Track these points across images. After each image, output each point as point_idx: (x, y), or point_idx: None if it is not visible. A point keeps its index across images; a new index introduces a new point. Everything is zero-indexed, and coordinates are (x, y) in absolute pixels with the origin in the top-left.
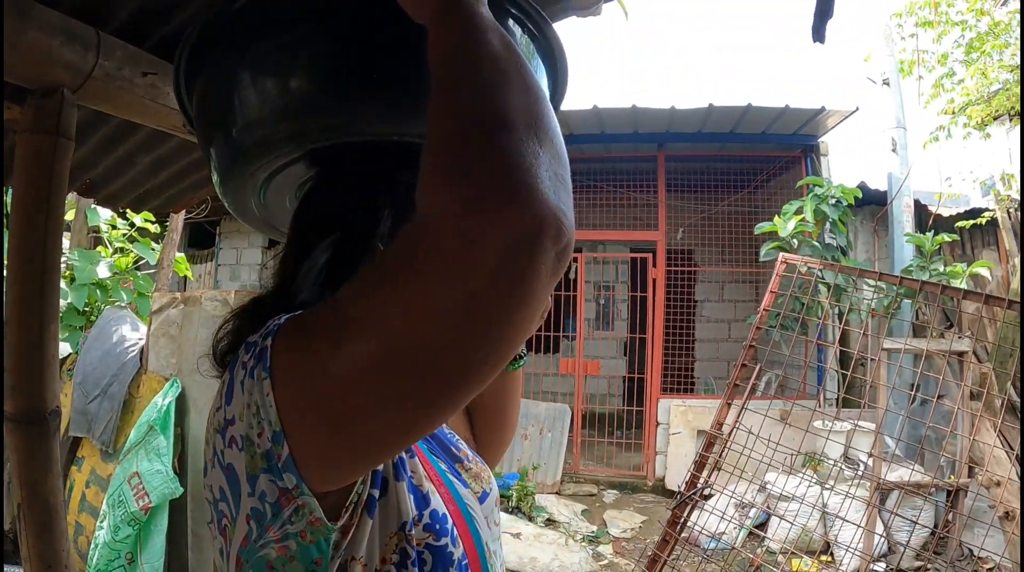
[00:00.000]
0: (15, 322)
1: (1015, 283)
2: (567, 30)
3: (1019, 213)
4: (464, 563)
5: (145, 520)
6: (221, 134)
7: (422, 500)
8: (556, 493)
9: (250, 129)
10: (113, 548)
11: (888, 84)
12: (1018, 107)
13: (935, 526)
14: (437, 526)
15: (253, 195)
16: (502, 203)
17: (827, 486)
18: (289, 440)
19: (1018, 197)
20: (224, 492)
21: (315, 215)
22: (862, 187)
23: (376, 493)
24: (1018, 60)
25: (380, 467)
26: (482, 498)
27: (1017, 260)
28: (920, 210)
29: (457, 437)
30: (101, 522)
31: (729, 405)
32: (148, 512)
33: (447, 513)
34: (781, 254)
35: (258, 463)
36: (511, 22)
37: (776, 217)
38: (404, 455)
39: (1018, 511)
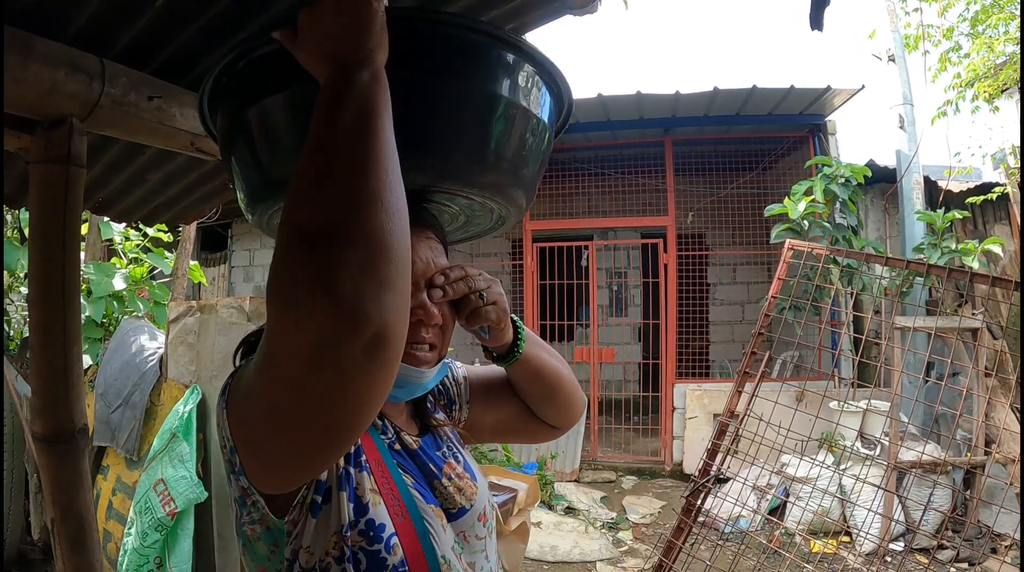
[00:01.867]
0: (39, 346)
1: None
2: (566, 24)
3: (1019, 209)
4: (403, 569)
5: (172, 525)
6: (253, 165)
7: (360, 509)
8: (575, 481)
9: (280, 165)
10: (142, 553)
11: (894, 60)
12: None
13: (952, 504)
14: (371, 533)
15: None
16: (302, 307)
17: (843, 467)
18: (238, 453)
19: None
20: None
21: None
22: (871, 165)
23: (319, 499)
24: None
25: (323, 477)
26: (458, 513)
27: None
28: (930, 186)
29: (451, 453)
30: (129, 528)
31: (740, 392)
32: (175, 517)
33: (387, 524)
34: (788, 241)
35: (228, 467)
36: (511, 58)
37: (786, 199)
38: (352, 469)
39: None
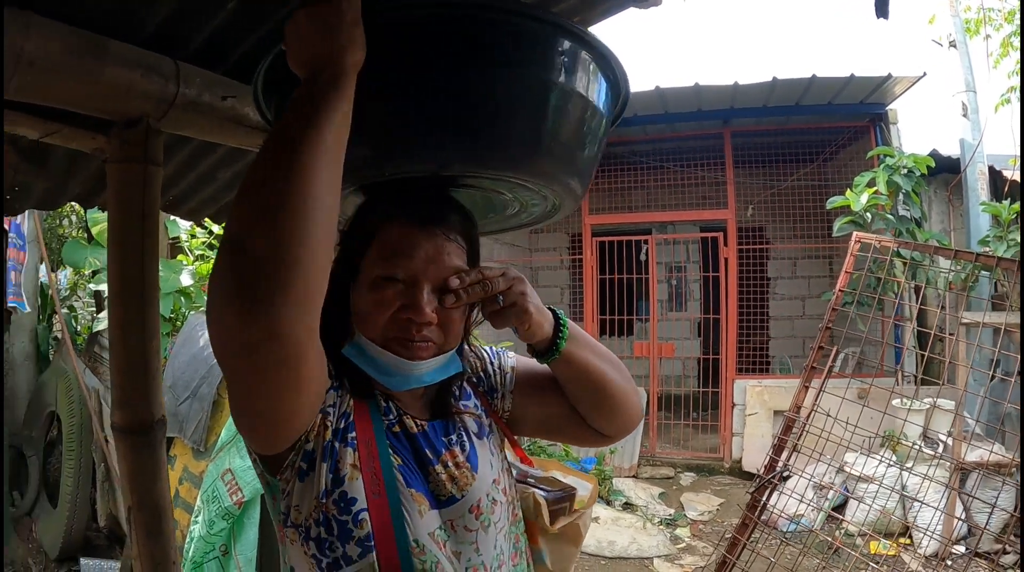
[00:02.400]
0: (119, 341)
1: None
2: (625, 17)
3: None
4: (368, 544)
5: (239, 514)
6: None
7: (337, 480)
8: (633, 476)
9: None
10: (208, 541)
11: (955, 46)
12: None
13: (1016, 507)
14: (343, 504)
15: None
16: (212, 298)
17: (906, 467)
18: None
19: None
20: None
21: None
22: (934, 155)
23: (304, 465)
24: None
25: (309, 447)
26: (447, 502)
27: None
28: (995, 177)
29: (458, 442)
30: (196, 517)
31: (807, 387)
32: (242, 506)
33: (359, 499)
34: (855, 233)
35: None
36: (566, 44)
37: (848, 190)
38: (338, 444)
39: None
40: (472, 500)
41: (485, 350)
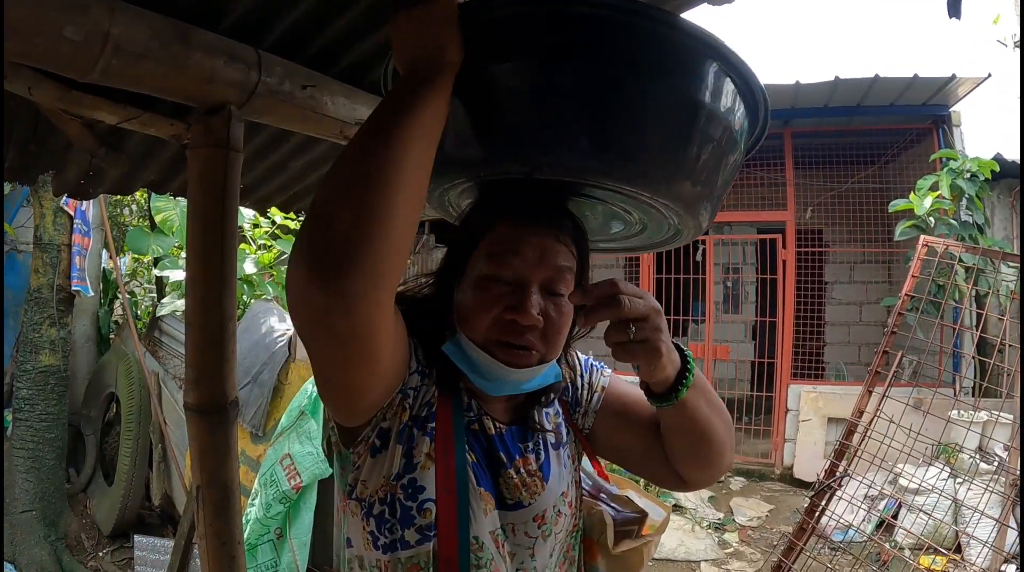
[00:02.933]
0: (197, 322)
1: None
2: (699, 15)
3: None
4: (429, 533)
5: (296, 498)
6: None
7: (410, 466)
8: None
9: (457, 144)
10: (264, 524)
11: (1020, 46)
12: None
13: None
14: (410, 490)
15: (443, 194)
16: (294, 260)
17: (960, 481)
18: None
19: None
20: None
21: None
22: (998, 159)
23: (378, 443)
24: None
25: (385, 425)
26: (513, 506)
27: None
28: (1021, 187)
29: (533, 450)
30: (253, 500)
31: (870, 392)
32: (299, 491)
33: (428, 488)
34: (923, 237)
35: None
36: (715, 71)
37: (911, 194)
38: (416, 431)
39: None
40: (538, 509)
41: (579, 359)
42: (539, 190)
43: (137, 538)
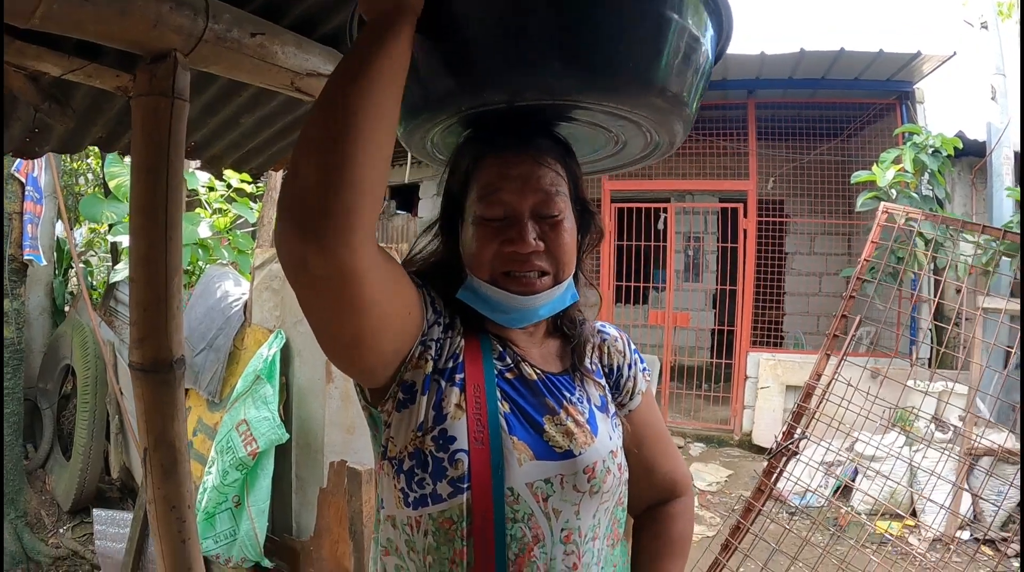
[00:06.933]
0: (141, 277)
1: None
2: None
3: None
4: (462, 485)
5: (252, 465)
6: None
7: (440, 417)
8: None
9: (431, 81)
10: (221, 492)
11: (986, 27)
12: None
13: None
14: (441, 441)
15: (425, 135)
16: (280, 209)
17: (916, 448)
18: None
19: None
20: None
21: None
22: (960, 137)
23: (404, 397)
24: None
25: (408, 378)
26: (563, 455)
27: None
28: (1021, 162)
29: (580, 401)
30: (209, 467)
31: (828, 355)
32: (256, 457)
33: (459, 439)
34: (883, 203)
35: None
36: None
37: (874, 166)
38: (444, 382)
39: None
40: (588, 461)
41: (630, 348)
42: (520, 121)
43: (96, 512)
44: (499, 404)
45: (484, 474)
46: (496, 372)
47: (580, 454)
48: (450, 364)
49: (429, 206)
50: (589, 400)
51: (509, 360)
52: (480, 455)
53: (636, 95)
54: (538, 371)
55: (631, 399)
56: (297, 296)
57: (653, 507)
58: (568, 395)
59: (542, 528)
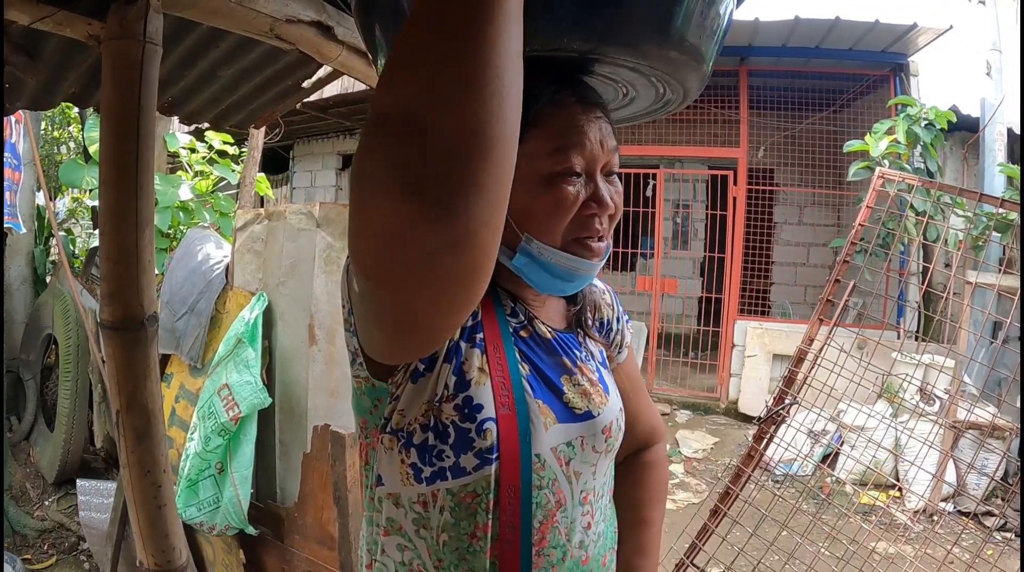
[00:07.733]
0: (111, 230)
1: None
2: None
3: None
4: (490, 456)
5: (235, 430)
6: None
7: (463, 384)
8: None
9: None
10: (204, 458)
11: (983, 3)
12: None
13: (1005, 474)
14: (466, 410)
15: None
16: (376, 195)
17: (900, 421)
18: (354, 315)
19: None
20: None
21: None
22: (954, 111)
23: (422, 367)
24: None
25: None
26: (583, 416)
27: None
28: (1013, 139)
29: (587, 360)
30: (192, 434)
31: (820, 320)
32: (238, 422)
33: (486, 406)
34: (879, 169)
35: (346, 325)
36: None
37: (867, 135)
38: (464, 344)
39: None
40: (605, 421)
41: (617, 302)
42: (572, 71)
43: (80, 482)
44: (519, 366)
45: (513, 442)
46: (511, 330)
47: (599, 415)
48: (470, 322)
49: None
50: (594, 358)
51: (522, 316)
52: (508, 422)
53: (644, 45)
54: (551, 329)
55: (619, 353)
56: (390, 293)
57: (632, 455)
58: (578, 353)
59: (564, 492)
